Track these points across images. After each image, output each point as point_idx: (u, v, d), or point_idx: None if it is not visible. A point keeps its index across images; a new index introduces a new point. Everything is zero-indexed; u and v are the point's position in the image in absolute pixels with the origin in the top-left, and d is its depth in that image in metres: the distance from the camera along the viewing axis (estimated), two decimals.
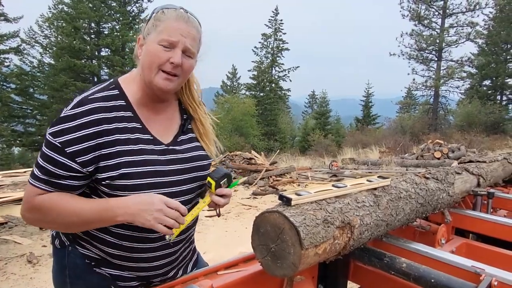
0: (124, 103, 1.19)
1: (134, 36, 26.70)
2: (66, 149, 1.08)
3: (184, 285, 1.15)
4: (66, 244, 1.25)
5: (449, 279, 1.11)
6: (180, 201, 1.18)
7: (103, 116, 1.13)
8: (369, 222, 1.22)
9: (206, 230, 5.69)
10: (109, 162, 1.12)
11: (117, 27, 28.14)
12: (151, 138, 1.22)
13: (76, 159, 1.09)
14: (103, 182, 1.13)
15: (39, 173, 1.10)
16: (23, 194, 1.16)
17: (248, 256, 1.30)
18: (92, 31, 27.75)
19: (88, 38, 27.29)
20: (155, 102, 1.26)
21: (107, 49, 27.86)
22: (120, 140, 1.14)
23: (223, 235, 5.56)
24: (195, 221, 1.35)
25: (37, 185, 1.10)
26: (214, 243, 5.04)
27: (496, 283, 1.12)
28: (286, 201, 1.07)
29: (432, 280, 1.11)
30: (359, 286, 1.56)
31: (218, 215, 1.35)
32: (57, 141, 1.08)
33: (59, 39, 27.06)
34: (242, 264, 1.28)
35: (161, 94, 1.23)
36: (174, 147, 1.27)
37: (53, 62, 27.14)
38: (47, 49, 27.76)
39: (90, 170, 1.12)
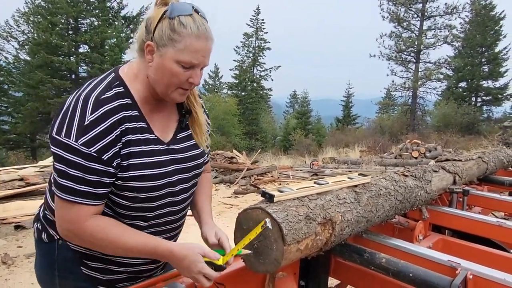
0: (131, 102, 1.14)
1: (114, 34, 26.16)
2: (102, 157, 1.05)
3: (166, 282, 1.15)
4: (56, 238, 1.21)
5: (426, 273, 1.14)
6: (178, 200, 1.23)
7: (122, 115, 1.10)
8: (350, 219, 1.24)
9: (187, 228, 5.56)
10: (122, 163, 1.09)
11: (96, 23, 27.48)
12: (156, 138, 1.18)
13: (113, 164, 1.08)
14: (115, 182, 1.11)
15: (88, 188, 1.04)
16: (60, 212, 1.08)
17: None
18: (70, 27, 26.99)
19: (66, 34, 26.54)
20: (158, 100, 1.21)
21: (85, 46, 27.18)
22: (132, 140, 1.11)
23: None
24: (183, 219, 1.36)
25: (88, 202, 1.05)
26: (196, 241, 5.00)
27: (471, 276, 1.16)
28: (269, 197, 1.08)
29: (411, 275, 1.15)
30: (339, 281, 1.58)
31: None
32: (92, 150, 1.03)
33: (35, 34, 26.23)
34: None
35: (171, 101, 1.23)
36: (174, 146, 1.23)
37: (29, 58, 26.31)
38: (24, 45, 26.90)
39: (119, 171, 1.10)
